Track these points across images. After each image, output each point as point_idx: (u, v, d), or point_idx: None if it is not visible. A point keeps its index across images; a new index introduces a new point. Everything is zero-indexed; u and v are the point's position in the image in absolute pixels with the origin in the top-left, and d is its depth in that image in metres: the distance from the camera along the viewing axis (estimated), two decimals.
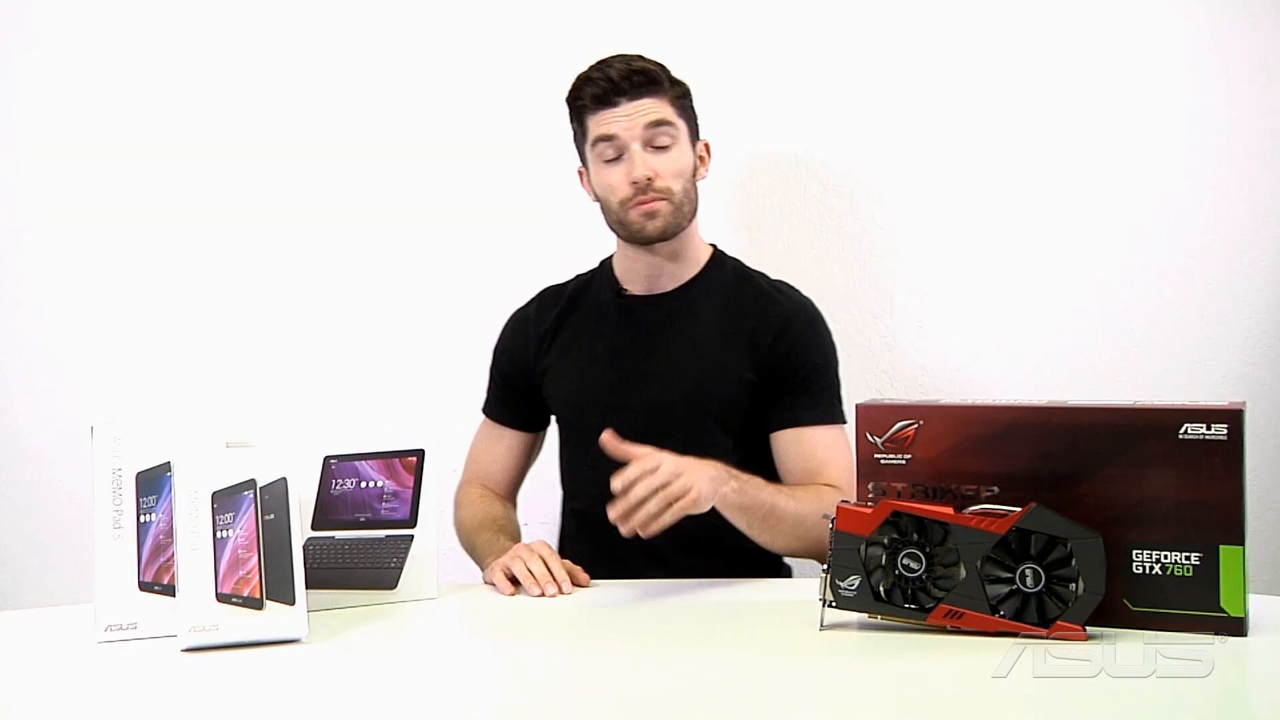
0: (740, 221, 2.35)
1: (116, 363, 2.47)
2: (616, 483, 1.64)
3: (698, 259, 2.00)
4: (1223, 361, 2.26)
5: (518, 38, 2.40)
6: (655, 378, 1.95)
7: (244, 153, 2.45)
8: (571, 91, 1.94)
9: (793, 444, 1.91)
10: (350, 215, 2.45)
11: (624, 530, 1.64)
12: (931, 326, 2.33)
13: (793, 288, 2.01)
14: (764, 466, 1.89)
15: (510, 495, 2.09)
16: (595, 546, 1.89)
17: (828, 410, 1.92)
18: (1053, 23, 2.28)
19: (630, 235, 1.94)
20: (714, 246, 2.04)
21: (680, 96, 1.94)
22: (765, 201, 2.36)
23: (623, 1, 2.37)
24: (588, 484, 1.99)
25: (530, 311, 2.07)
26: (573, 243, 2.18)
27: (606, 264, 2.06)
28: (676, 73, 1.95)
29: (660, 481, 1.63)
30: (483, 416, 2.11)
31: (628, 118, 1.89)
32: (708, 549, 1.86)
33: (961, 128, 2.31)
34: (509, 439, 2.08)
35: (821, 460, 1.88)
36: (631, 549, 1.84)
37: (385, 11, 2.42)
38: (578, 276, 2.09)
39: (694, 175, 1.95)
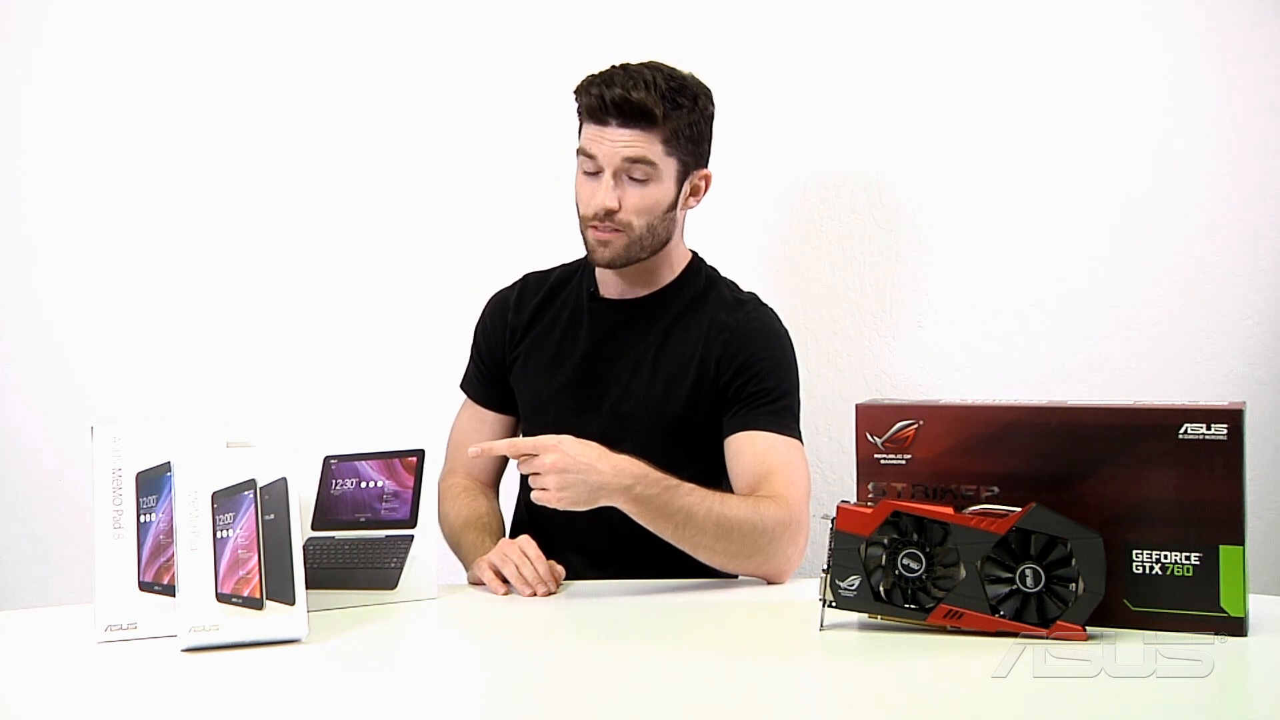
0: (740, 222, 2.35)
1: (116, 363, 2.47)
2: (501, 447, 1.76)
3: (672, 268, 1.98)
4: (1223, 361, 2.26)
5: (516, 30, 2.40)
6: (616, 383, 1.94)
7: (242, 153, 2.45)
8: (578, 88, 1.91)
9: (744, 447, 1.86)
10: (352, 215, 2.45)
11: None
12: (931, 326, 2.33)
13: (759, 301, 1.99)
14: (722, 480, 1.88)
15: (494, 483, 2.07)
16: (540, 539, 1.85)
17: (780, 422, 1.87)
18: (1052, 23, 2.28)
19: (586, 250, 1.93)
20: (694, 253, 2.01)
21: (676, 132, 1.86)
22: (766, 202, 2.36)
23: (624, 6, 2.37)
24: None
25: (511, 298, 2.05)
26: (574, 241, 2.18)
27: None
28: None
29: (536, 468, 1.69)
30: (463, 395, 2.08)
31: (611, 143, 1.85)
32: (650, 555, 1.84)
33: (961, 128, 2.31)
34: (491, 424, 2.05)
35: (770, 466, 1.82)
36: (573, 548, 1.88)
37: (368, 6, 2.42)
38: (563, 265, 2.07)
39: (670, 209, 1.90)
